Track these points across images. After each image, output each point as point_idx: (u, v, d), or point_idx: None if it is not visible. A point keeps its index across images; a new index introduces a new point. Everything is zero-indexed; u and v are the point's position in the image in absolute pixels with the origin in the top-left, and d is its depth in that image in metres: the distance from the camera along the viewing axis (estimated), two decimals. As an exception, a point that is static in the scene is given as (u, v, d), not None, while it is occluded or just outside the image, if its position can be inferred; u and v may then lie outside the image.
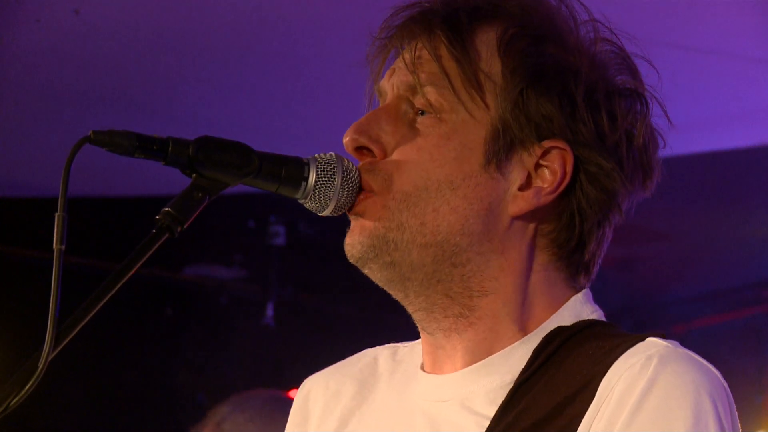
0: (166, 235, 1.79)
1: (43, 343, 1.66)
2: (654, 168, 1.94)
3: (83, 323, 1.70)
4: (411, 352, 2.04)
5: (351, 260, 1.91)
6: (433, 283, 1.88)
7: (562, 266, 1.92)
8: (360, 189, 1.90)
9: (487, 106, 1.88)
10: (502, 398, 1.84)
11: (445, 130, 1.88)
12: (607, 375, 1.77)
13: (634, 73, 1.94)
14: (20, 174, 5.78)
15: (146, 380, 6.62)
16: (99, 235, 6.10)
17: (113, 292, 1.73)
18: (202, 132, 1.87)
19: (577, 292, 1.93)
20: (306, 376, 2.13)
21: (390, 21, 1.94)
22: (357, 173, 1.90)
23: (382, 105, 1.95)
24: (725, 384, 1.78)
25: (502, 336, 1.89)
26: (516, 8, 1.92)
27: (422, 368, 1.96)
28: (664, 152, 1.96)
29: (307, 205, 1.91)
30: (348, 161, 1.91)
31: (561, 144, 1.88)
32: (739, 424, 1.79)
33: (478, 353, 1.89)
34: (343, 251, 1.91)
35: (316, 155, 1.91)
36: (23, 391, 1.66)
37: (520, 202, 1.88)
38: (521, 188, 1.88)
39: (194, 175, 1.83)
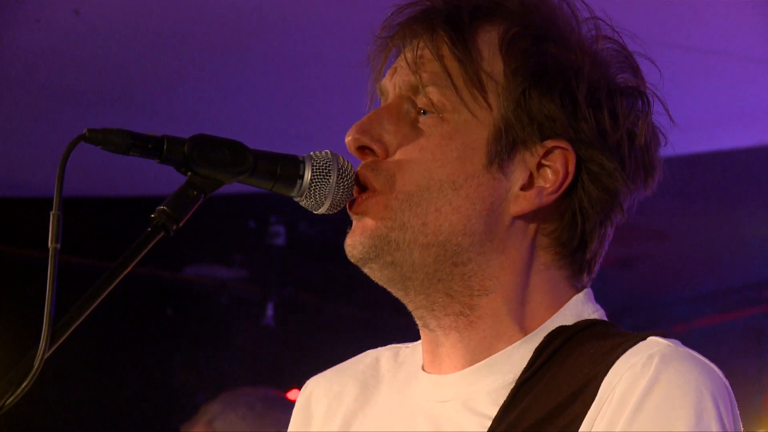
0: (162, 234, 1.79)
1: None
2: (656, 167, 1.94)
3: (79, 322, 1.71)
4: (413, 353, 2.04)
5: (352, 260, 1.91)
6: (433, 282, 1.88)
7: (564, 265, 1.92)
8: (356, 187, 1.90)
9: (489, 106, 1.88)
10: (504, 398, 1.84)
11: (448, 130, 1.88)
12: (608, 374, 1.77)
13: (635, 71, 1.94)
14: (20, 174, 5.78)
15: (146, 380, 6.62)
16: (98, 235, 6.10)
17: (108, 290, 1.73)
18: (202, 132, 1.87)
19: (578, 291, 1.93)
20: (306, 376, 2.13)
21: (391, 19, 1.94)
22: (352, 171, 1.90)
23: (383, 104, 1.95)
24: (727, 383, 1.78)
25: (502, 335, 1.89)
26: (517, 6, 1.91)
27: (423, 368, 1.96)
28: (664, 152, 1.96)
29: (302, 203, 1.91)
30: (343, 159, 1.91)
31: (563, 144, 1.88)
32: (741, 424, 1.78)
33: (479, 352, 1.89)
34: (343, 251, 1.91)
35: (311, 153, 1.90)
36: (19, 390, 1.67)
37: (522, 202, 1.88)
38: (523, 188, 1.88)
39: (189, 173, 1.83)
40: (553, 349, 1.85)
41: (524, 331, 1.89)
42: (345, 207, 1.92)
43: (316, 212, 1.92)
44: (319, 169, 1.89)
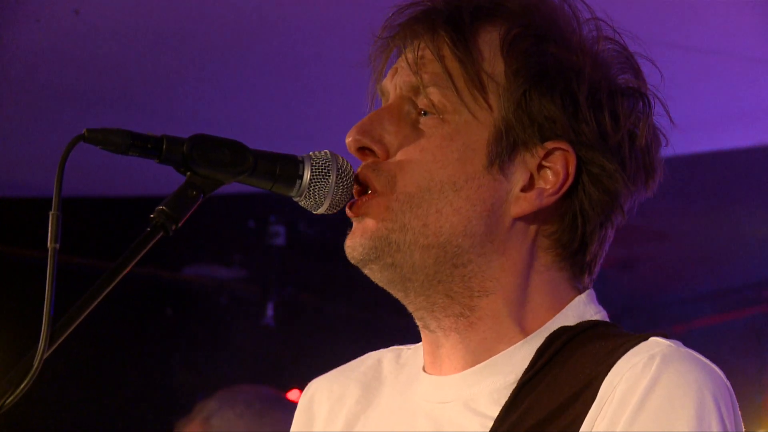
0: (161, 234, 1.79)
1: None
2: (656, 168, 1.94)
3: (78, 322, 1.71)
4: (414, 354, 2.04)
5: (352, 261, 1.90)
6: (434, 283, 1.88)
7: (565, 267, 1.92)
8: (357, 188, 1.90)
9: (490, 107, 1.88)
10: (506, 398, 1.84)
11: (448, 131, 1.88)
12: (609, 374, 1.77)
13: (636, 72, 1.94)
14: (20, 174, 5.78)
15: (145, 380, 6.62)
16: (97, 235, 6.09)
17: (108, 290, 1.73)
18: (202, 132, 1.86)
19: (580, 292, 1.93)
20: (306, 376, 2.13)
21: (392, 20, 1.94)
22: (351, 171, 1.90)
23: (384, 105, 1.94)
24: (728, 383, 1.78)
25: (503, 336, 1.89)
26: (518, 7, 1.91)
27: (424, 369, 1.96)
28: (664, 152, 1.96)
29: (301, 203, 1.91)
30: (342, 159, 1.90)
31: (564, 145, 1.87)
32: (742, 424, 1.78)
33: (479, 353, 1.89)
34: (343, 251, 1.91)
35: (310, 153, 1.90)
36: (18, 390, 1.67)
37: (522, 204, 1.88)
38: (524, 189, 1.88)
39: (189, 173, 1.84)
40: (554, 349, 1.85)
41: (525, 332, 1.89)
42: (344, 207, 1.92)
43: (315, 212, 1.92)
44: (318, 169, 1.89)
